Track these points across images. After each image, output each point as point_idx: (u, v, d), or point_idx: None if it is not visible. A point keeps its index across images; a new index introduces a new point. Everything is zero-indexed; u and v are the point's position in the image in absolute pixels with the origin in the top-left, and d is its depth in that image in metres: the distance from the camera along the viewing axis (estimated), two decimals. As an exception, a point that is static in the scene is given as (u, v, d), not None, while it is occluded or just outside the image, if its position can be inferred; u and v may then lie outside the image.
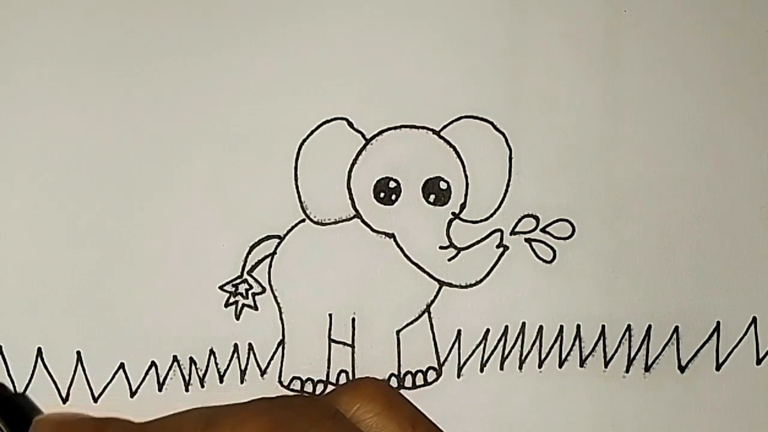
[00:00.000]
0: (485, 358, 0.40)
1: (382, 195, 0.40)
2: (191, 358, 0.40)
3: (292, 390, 0.40)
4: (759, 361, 0.41)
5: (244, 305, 0.40)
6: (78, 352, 0.40)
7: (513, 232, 0.41)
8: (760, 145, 0.41)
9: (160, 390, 0.40)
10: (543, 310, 0.41)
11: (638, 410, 0.40)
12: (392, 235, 0.40)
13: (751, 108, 0.41)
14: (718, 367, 0.41)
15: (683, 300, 0.41)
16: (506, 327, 0.40)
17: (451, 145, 0.41)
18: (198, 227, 0.40)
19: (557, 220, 0.41)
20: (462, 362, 0.40)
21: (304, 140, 0.40)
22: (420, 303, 0.40)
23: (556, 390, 0.40)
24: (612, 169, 0.41)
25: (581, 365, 0.41)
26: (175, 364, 0.40)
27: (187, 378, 0.40)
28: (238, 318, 0.40)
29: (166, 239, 0.40)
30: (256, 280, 0.40)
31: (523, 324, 0.40)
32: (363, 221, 0.40)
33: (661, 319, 0.41)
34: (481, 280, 0.40)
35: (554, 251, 0.41)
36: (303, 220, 0.40)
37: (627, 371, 0.41)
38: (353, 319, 0.40)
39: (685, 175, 0.41)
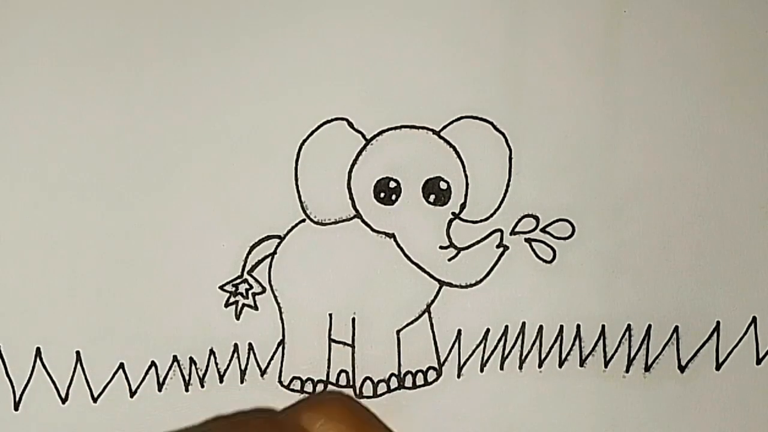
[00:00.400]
0: (485, 358, 0.40)
1: (382, 195, 0.40)
2: (191, 358, 0.40)
3: (292, 390, 0.40)
4: (759, 361, 0.41)
5: (244, 305, 0.40)
6: (77, 352, 0.40)
7: (513, 232, 0.41)
8: (760, 145, 0.41)
9: (160, 390, 0.40)
10: (543, 310, 0.40)
11: (638, 410, 0.40)
12: (392, 235, 0.40)
13: (751, 108, 0.41)
14: (718, 367, 0.41)
15: (683, 300, 0.41)
16: (506, 327, 0.40)
17: (451, 145, 0.41)
18: (198, 227, 0.40)
19: (557, 220, 0.41)
20: (462, 362, 0.40)
21: (304, 140, 0.40)
22: (420, 303, 0.40)
23: (556, 390, 0.40)
24: (612, 169, 0.41)
25: (581, 365, 0.41)
26: (175, 364, 0.40)
27: (187, 378, 0.40)
28: (238, 318, 0.40)
29: (166, 239, 0.40)
30: (256, 280, 0.40)
31: (523, 324, 0.40)
32: (363, 221, 0.40)
33: (661, 319, 0.41)
34: (481, 280, 0.40)
35: (554, 251, 0.41)
36: (303, 220, 0.40)
37: (627, 371, 0.41)
38: (353, 319, 0.40)
39: (685, 175, 0.41)
